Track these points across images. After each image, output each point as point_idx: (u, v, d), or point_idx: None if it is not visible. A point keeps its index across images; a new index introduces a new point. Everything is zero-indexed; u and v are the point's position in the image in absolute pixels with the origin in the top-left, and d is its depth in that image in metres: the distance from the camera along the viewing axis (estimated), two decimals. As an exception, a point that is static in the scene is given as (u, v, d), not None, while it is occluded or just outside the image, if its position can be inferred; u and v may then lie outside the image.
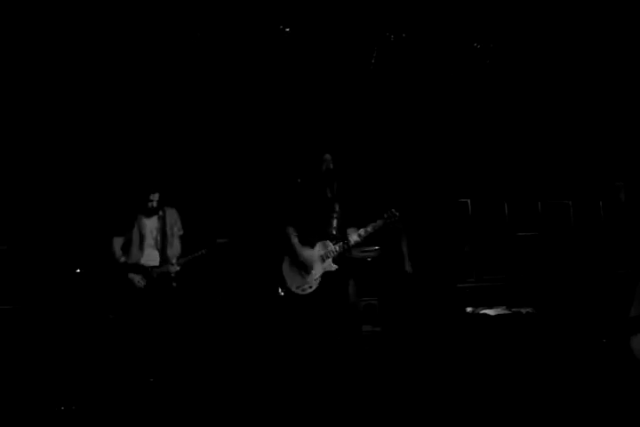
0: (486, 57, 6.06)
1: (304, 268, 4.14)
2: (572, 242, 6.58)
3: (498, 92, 6.67)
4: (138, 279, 4.35)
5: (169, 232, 4.50)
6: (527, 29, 5.84)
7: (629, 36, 5.65)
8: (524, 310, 6.05)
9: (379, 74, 6.03)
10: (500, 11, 5.57)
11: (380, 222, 4.07)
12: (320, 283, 4.11)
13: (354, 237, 4.05)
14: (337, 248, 4.09)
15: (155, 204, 4.44)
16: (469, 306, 6.14)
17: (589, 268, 6.09)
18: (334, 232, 4.15)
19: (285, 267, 4.25)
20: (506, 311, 6.09)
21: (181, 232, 4.63)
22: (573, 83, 6.48)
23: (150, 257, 4.47)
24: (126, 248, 4.47)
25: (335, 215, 4.16)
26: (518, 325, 5.67)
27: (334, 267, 4.10)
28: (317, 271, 4.12)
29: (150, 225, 4.49)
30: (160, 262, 4.45)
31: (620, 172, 6.71)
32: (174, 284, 4.50)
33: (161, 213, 4.51)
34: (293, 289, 4.16)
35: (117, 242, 4.50)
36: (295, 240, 4.19)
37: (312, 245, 4.19)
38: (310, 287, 4.10)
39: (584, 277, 6.01)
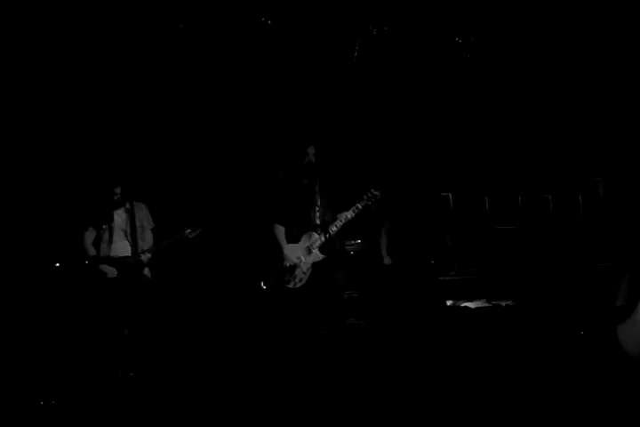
0: (467, 51, 6.08)
1: (292, 265, 4.13)
2: (551, 235, 6.66)
3: (478, 87, 6.70)
4: (109, 270, 4.37)
5: (138, 224, 4.52)
6: (508, 24, 5.87)
7: (608, 31, 5.71)
8: (503, 303, 6.11)
9: (361, 67, 6.02)
10: (480, 6, 5.59)
11: (359, 205, 4.05)
12: (310, 275, 4.09)
13: (337, 223, 4.04)
14: (322, 237, 4.07)
15: (119, 196, 4.48)
16: (450, 299, 6.19)
17: (568, 261, 6.17)
18: (318, 222, 4.13)
19: (275, 263, 4.23)
20: (486, 304, 6.15)
21: (152, 225, 4.65)
22: (553, 79, 6.53)
23: (120, 249, 4.47)
24: (97, 243, 4.50)
25: (318, 207, 4.14)
26: (498, 317, 5.72)
27: (322, 256, 4.07)
28: (306, 264, 4.09)
29: (118, 218, 4.52)
30: (132, 253, 4.45)
31: (598, 166, 6.81)
32: (148, 274, 4.52)
33: (128, 205, 4.51)
34: (286, 285, 4.15)
35: (88, 237, 4.52)
36: (283, 242, 4.18)
37: (297, 239, 4.18)
38: (300, 281, 4.09)
39: (563, 270, 6.09)
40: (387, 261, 5.52)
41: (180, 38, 5.35)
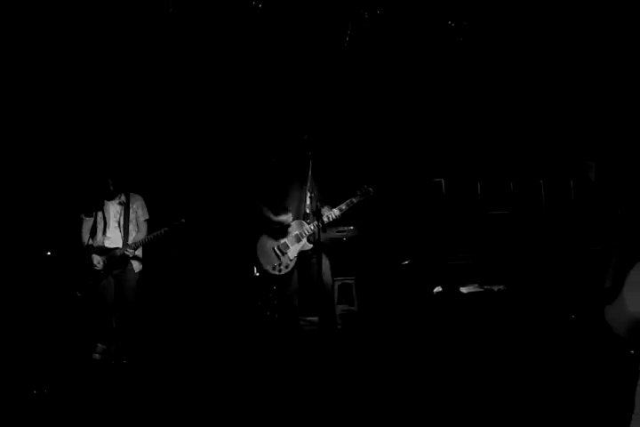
0: (460, 35, 6.03)
1: (281, 243, 4.12)
2: (543, 220, 6.68)
3: (471, 72, 6.66)
4: (98, 260, 4.48)
5: (132, 216, 4.65)
6: (501, 8, 5.82)
7: (603, 16, 5.68)
8: (495, 288, 6.14)
9: (353, 52, 5.97)
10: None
11: (353, 200, 4.08)
12: (296, 263, 4.11)
13: (329, 215, 4.05)
14: (312, 227, 4.08)
15: (112, 186, 4.59)
16: (442, 284, 6.21)
17: (560, 245, 6.19)
18: (309, 211, 4.14)
19: (260, 247, 4.23)
20: (478, 289, 6.18)
21: (147, 217, 4.77)
22: (545, 62, 6.50)
23: (113, 240, 4.59)
24: (93, 232, 4.62)
25: (310, 195, 4.14)
26: (490, 302, 5.76)
27: (310, 246, 4.10)
28: (293, 251, 4.11)
29: (113, 209, 4.64)
30: (122, 245, 4.58)
31: (590, 151, 6.80)
32: (136, 267, 4.63)
33: (123, 197, 4.66)
34: (269, 270, 4.16)
35: (86, 225, 4.62)
36: (270, 213, 4.18)
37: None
38: (286, 267, 4.10)
39: (555, 254, 6.11)
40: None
41: (169, 23, 5.28)
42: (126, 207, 4.62)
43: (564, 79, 6.60)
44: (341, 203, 4.11)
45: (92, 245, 4.53)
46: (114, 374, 4.17)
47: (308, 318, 5.83)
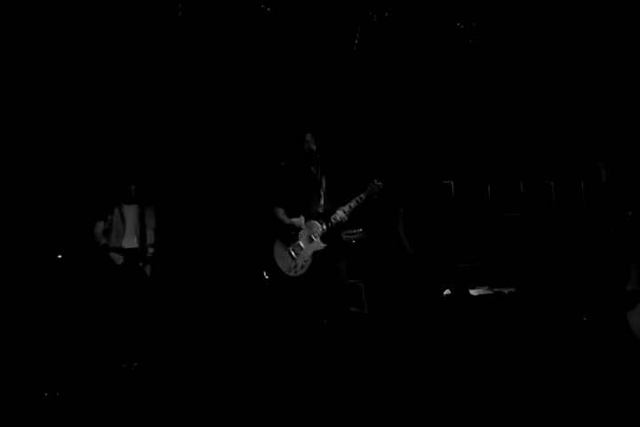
0: (469, 36, 6.03)
1: (295, 245, 4.12)
2: (553, 222, 6.64)
3: (480, 73, 6.65)
4: (117, 258, 4.74)
5: (147, 220, 4.96)
6: (509, 9, 5.81)
7: (611, 15, 5.66)
8: (506, 290, 6.11)
9: (362, 53, 5.97)
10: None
11: (362, 195, 4.07)
12: (311, 264, 4.09)
13: (339, 213, 4.04)
14: (324, 227, 4.08)
15: (133, 193, 4.94)
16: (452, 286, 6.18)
17: (570, 247, 6.15)
18: (320, 211, 4.13)
19: (277, 250, 4.23)
20: (488, 291, 6.16)
21: (155, 225, 5.05)
22: (555, 63, 6.47)
23: (130, 242, 4.85)
24: (107, 233, 4.85)
25: (320, 195, 4.13)
26: (500, 304, 5.73)
27: (323, 246, 4.08)
28: (307, 252, 4.10)
29: (131, 213, 4.92)
30: (139, 246, 4.84)
31: (600, 152, 6.76)
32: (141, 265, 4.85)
33: (141, 203, 4.97)
34: (286, 272, 4.15)
35: (99, 226, 4.86)
36: (284, 216, 4.18)
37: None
38: (302, 268, 4.09)
39: (565, 256, 6.08)
40: (409, 248, 5.52)
41: (179, 27, 5.31)
42: (142, 212, 4.90)
43: (574, 81, 6.57)
44: (350, 201, 4.10)
45: (107, 245, 4.74)
46: (124, 377, 4.17)
47: (320, 320, 5.82)
